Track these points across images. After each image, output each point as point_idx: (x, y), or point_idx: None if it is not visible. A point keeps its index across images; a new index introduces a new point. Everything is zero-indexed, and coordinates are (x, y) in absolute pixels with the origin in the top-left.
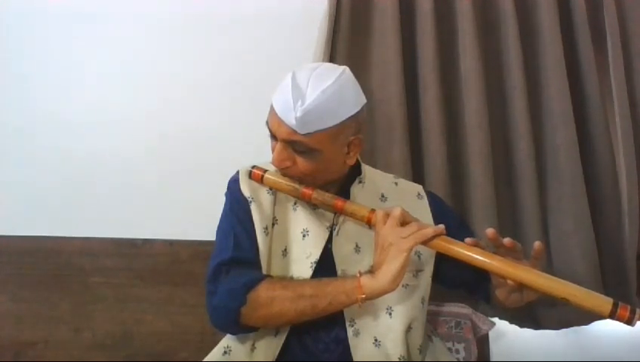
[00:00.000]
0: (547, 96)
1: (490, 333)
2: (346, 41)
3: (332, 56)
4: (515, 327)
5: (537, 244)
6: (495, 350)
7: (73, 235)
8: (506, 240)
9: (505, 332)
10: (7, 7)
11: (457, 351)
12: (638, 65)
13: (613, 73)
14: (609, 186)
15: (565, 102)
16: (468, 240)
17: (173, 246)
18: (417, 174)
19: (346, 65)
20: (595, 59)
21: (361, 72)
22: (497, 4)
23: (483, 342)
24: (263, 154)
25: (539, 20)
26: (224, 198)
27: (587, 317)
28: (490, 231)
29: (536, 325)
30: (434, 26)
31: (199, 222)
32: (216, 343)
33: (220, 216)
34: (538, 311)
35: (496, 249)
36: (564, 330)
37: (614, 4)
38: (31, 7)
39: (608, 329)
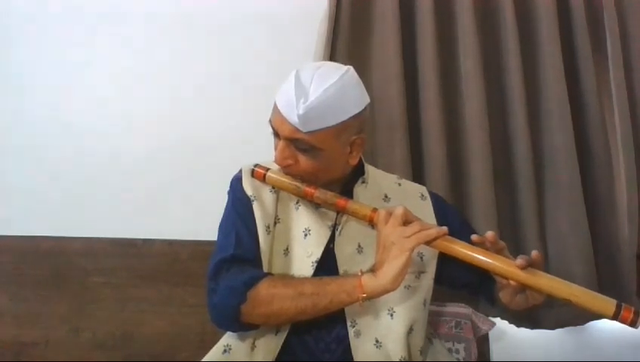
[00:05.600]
0: (546, 98)
1: (490, 333)
2: (347, 41)
3: (332, 57)
4: (515, 327)
5: (535, 254)
6: (495, 350)
7: (73, 235)
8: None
9: (505, 332)
10: (9, 8)
11: (457, 351)
12: (637, 65)
13: (612, 74)
14: (606, 188)
15: (563, 103)
16: (474, 236)
17: (173, 246)
18: (417, 174)
19: (346, 65)
20: (593, 60)
21: (361, 72)
22: (497, 4)
23: (483, 342)
24: (263, 154)
25: (538, 22)
26: (224, 198)
27: (584, 316)
28: (489, 234)
29: (534, 325)
30: (434, 26)
31: (199, 222)
32: (216, 343)
33: (220, 215)
34: (536, 311)
35: (497, 252)
36: (564, 330)
37: (614, 5)
38: (33, 9)
39: (608, 329)
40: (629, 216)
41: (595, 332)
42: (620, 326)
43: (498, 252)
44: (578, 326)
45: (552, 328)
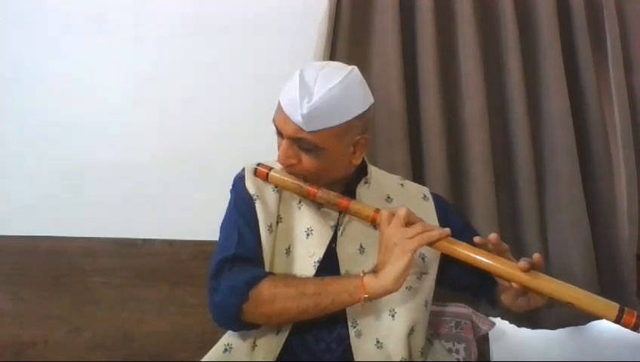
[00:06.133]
0: (546, 97)
1: (490, 333)
2: (346, 40)
3: (332, 57)
4: (515, 327)
5: (536, 257)
6: (495, 350)
7: (73, 235)
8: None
9: (505, 332)
10: (10, 10)
11: (457, 351)
12: (637, 64)
13: (612, 73)
14: (606, 187)
15: (564, 103)
16: (477, 238)
17: (173, 246)
18: (417, 174)
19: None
20: (593, 60)
21: (361, 72)
22: (497, 4)
23: (483, 342)
24: (264, 153)
25: (538, 21)
26: (225, 198)
27: (585, 317)
28: (492, 236)
29: (534, 325)
30: (434, 26)
31: (199, 222)
32: (216, 343)
33: (220, 215)
34: (536, 312)
35: (500, 254)
36: (564, 330)
37: (614, 4)
38: (34, 11)
39: (609, 329)
40: (629, 215)
41: (595, 333)
42: (621, 327)
43: (501, 254)
44: (579, 326)
45: (553, 328)
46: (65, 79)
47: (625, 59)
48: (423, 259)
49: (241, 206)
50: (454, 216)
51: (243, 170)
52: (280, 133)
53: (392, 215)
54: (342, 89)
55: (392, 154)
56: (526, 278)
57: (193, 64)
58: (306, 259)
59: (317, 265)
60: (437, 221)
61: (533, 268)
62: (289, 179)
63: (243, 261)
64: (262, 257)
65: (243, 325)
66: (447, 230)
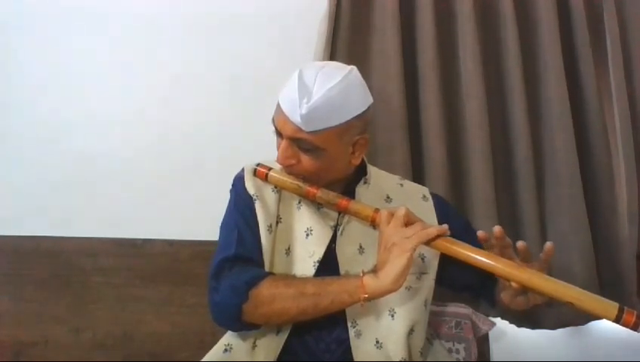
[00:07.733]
0: (546, 98)
1: (490, 333)
2: (346, 40)
3: (332, 57)
4: (515, 327)
5: (548, 246)
6: (495, 350)
7: (73, 235)
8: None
9: (505, 332)
10: (5, 7)
11: (457, 351)
12: (637, 65)
13: (612, 74)
14: (606, 187)
15: (564, 103)
16: (480, 232)
17: (173, 247)
18: (417, 174)
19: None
20: (594, 60)
21: (361, 71)
22: (497, 4)
23: (483, 342)
24: (264, 154)
25: (538, 21)
26: (225, 198)
27: (585, 317)
28: (496, 229)
29: (534, 325)
30: (434, 25)
31: (199, 222)
32: (216, 343)
33: (220, 215)
34: (536, 311)
35: (503, 249)
36: (564, 330)
37: (614, 5)
38: (29, 7)
39: (609, 329)
40: (629, 215)
41: (595, 332)
42: (621, 327)
43: (504, 249)
44: (579, 326)
45: (553, 328)
46: (65, 80)
47: (625, 59)
48: (423, 259)
49: (240, 206)
50: (454, 216)
51: (242, 170)
52: (279, 133)
53: (392, 215)
54: (341, 89)
55: (392, 154)
56: (526, 277)
57: (193, 63)
58: (305, 259)
59: (317, 265)
60: (436, 221)
61: (544, 258)
62: (288, 180)
63: (243, 261)
64: (262, 257)
65: (243, 325)
66: (445, 226)
